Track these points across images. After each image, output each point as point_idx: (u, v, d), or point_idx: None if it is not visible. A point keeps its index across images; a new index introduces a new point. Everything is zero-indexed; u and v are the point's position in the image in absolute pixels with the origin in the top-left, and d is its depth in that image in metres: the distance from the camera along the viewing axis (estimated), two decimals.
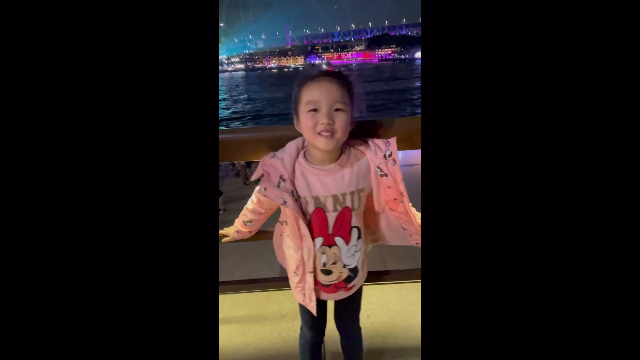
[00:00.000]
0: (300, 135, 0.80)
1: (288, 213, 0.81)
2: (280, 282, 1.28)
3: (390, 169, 0.78)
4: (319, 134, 0.72)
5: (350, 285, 0.88)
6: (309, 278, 0.85)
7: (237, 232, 1.03)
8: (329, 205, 0.78)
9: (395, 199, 0.81)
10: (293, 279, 0.90)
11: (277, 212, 0.96)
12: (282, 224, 0.95)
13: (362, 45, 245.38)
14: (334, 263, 0.83)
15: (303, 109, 0.73)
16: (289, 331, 1.42)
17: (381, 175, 0.79)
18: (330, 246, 0.82)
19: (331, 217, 0.79)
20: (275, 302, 1.57)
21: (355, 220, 0.81)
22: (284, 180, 0.77)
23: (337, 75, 0.74)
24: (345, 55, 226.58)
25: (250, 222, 0.99)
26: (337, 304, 0.97)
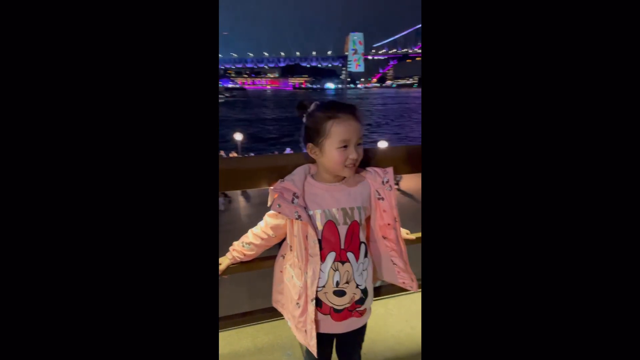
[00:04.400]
0: (310, 161, 0.85)
1: (296, 232, 0.82)
2: (251, 316, 1.22)
3: (387, 193, 0.87)
4: (345, 166, 0.81)
5: (361, 308, 0.89)
6: (311, 308, 0.84)
7: (234, 250, 0.97)
8: (340, 218, 0.83)
9: (388, 224, 0.89)
10: (294, 313, 0.88)
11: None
12: (283, 258, 0.93)
13: (275, 72, 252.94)
14: (347, 282, 0.84)
15: (333, 144, 0.80)
16: None
17: (379, 199, 0.87)
18: (343, 263, 0.84)
19: (342, 230, 0.83)
20: (247, 336, 1.47)
21: (362, 236, 0.86)
22: (297, 197, 0.81)
23: (356, 111, 0.82)
24: (260, 81, 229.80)
25: (249, 245, 0.95)
26: (342, 337, 0.94)
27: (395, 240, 0.89)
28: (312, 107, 0.83)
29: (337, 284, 0.84)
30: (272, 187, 0.85)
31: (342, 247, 0.83)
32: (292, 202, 0.80)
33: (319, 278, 0.83)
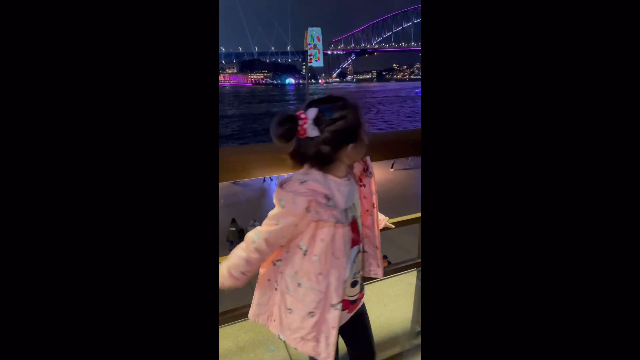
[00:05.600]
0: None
1: (325, 236, 0.73)
2: (230, 314, 1.17)
3: (367, 180, 0.87)
4: None
5: (363, 291, 0.90)
6: (332, 315, 0.75)
7: (237, 280, 0.79)
8: (357, 211, 0.83)
9: (367, 210, 0.89)
10: (303, 325, 0.77)
11: None
12: (274, 265, 0.82)
13: (234, 68, 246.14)
14: (359, 271, 0.85)
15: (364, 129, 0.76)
16: None
17: (361, 186, 0.88)
18: (359, 254, 0.84)
19: (356, 223, 0.83)
20: (227, 336, 1.43)
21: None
22: (329, 199, 0.72)
23: None
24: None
25: (248, 272, 0.81)
26: (349, 321, 0.88)
27: (370, 225, 0.90)
28: (318, 109, 0.70)
29: (355, 275, 0.84)
30: (284, 189, 0.71)
31: (360, 239, 0.84)
32: (328, 205, 0.72)
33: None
